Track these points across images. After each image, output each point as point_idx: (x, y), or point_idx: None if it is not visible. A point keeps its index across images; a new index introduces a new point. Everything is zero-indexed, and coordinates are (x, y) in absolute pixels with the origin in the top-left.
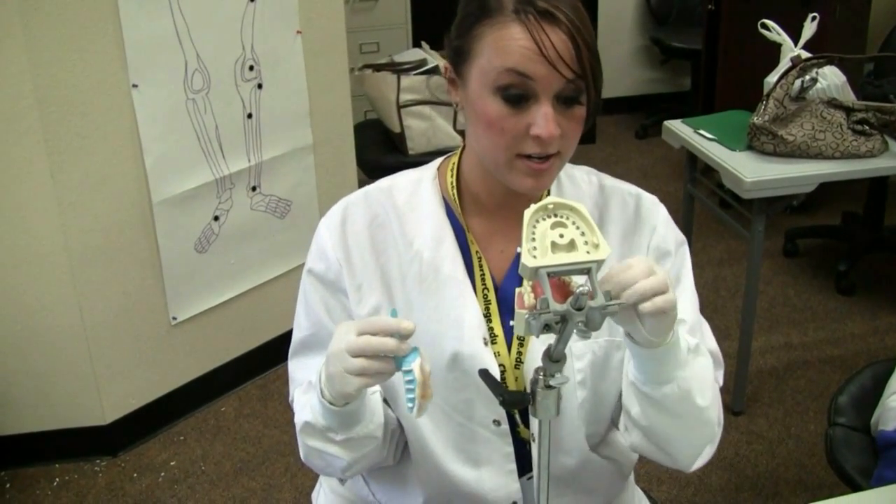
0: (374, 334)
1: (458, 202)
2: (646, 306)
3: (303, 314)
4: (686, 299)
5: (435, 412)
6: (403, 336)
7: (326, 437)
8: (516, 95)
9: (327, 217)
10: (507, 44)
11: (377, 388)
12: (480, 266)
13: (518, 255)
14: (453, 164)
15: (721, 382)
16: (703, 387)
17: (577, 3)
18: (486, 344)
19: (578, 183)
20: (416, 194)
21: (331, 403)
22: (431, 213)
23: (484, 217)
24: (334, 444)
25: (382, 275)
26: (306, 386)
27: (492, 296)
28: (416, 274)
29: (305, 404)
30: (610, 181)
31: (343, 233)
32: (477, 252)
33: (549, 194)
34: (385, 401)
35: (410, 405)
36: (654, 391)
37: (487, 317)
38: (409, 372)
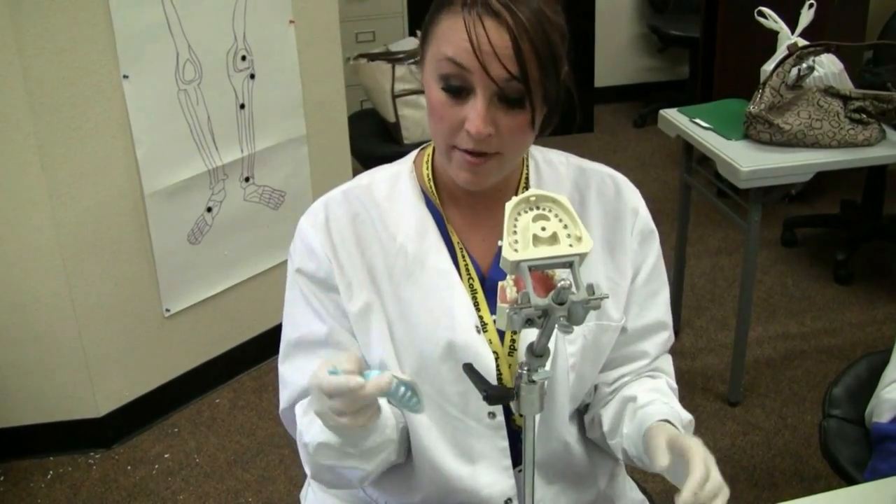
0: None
1: (435, 193)
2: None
3: (295, 314)
4: (665, 297)
5: (430, 407)
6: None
7: (343, 452)
8: (455, 86)
9: (309, 216)
10: (452, 34)
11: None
12: (463, 256)
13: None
14: (428, 155)
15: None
16: None
17: (541, 8)
18: (478, 332)
19: (557, 167)
20: (395, 188)
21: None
22: (412, 207)
23: (461, 207)
24: (352, 457)
25: (369, 271)
26: (308, 403)
27: (477, 285)
28: (402, 268)
29: (313, 421)
30: (587, 164)
31: (328, 230)
32: (458, 242)
33: (527, 183)
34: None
35: (417, 404)
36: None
37: (476, 306)
38: (396, 380)
